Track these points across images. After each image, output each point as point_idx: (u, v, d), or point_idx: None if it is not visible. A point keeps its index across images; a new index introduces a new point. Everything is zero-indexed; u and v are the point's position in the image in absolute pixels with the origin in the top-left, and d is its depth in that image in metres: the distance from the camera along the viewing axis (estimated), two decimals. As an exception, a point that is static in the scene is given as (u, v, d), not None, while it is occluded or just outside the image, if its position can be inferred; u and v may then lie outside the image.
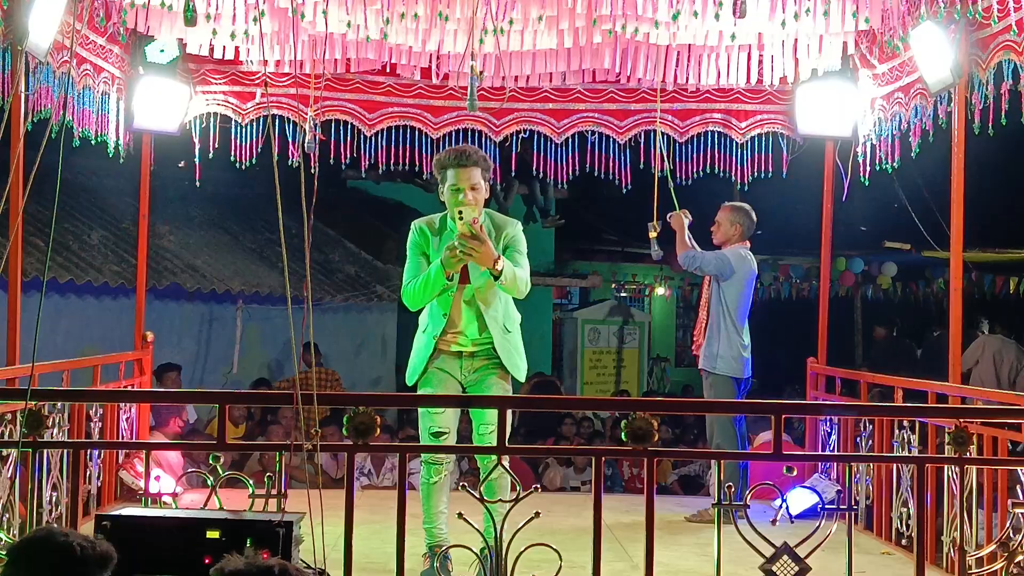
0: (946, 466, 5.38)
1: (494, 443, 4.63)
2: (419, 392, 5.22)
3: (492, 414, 4.83)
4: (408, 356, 5.37)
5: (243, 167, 7.56)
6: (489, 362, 5.17)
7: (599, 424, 11.95)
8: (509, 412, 4.39)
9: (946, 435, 4.42)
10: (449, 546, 4.73)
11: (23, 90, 5.37)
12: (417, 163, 7.68)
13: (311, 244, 5.91)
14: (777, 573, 4.15)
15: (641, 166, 7.68)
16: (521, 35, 6.24)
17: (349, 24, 6.05)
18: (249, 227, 13.97)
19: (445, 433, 5.10)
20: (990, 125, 5.48)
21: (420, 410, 5.34)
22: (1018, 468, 5.09)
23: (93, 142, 6.86)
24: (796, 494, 5.56)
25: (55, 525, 3.03)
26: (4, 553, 3.00)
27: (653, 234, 7.14)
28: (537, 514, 4.12)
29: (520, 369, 5.22)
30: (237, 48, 6.80)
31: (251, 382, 11.51)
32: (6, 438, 5.01)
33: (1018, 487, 5.02)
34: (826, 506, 4.39)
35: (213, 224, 13.64)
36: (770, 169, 7.68)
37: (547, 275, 19.42)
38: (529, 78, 7.23)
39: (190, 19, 5.59)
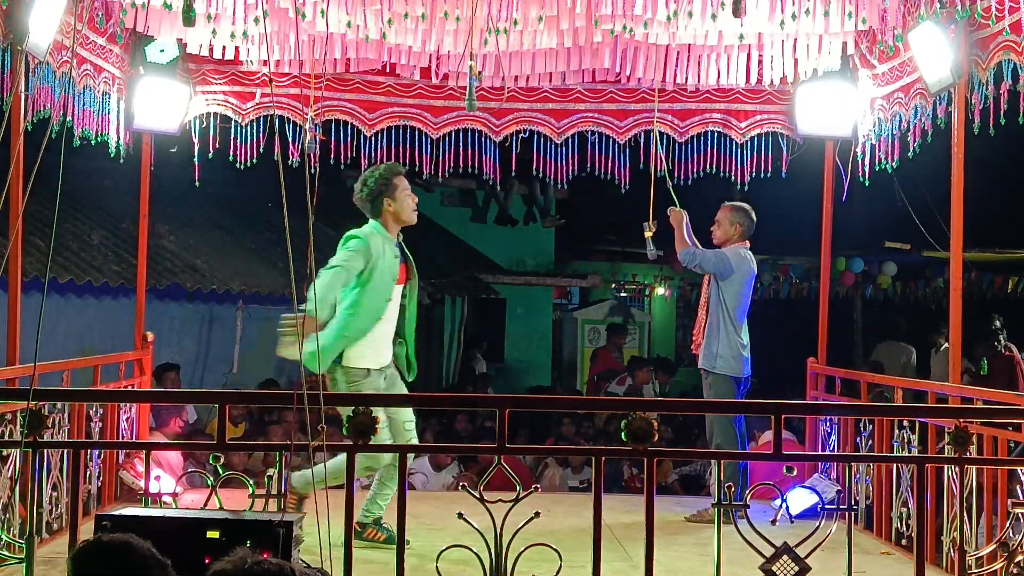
0: (946, 466, 5.37)
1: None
2: None
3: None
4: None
5: (243, 167, 7.56)
6: None
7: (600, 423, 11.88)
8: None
9: (946, 435, 4.42)
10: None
11: (23, 90, 5.37)
12: (417, 163, 7.68)
13: (312, 244, 5.93)
14: (777, 573, 4.15)
15: (641, 166, 7.68)
16: (521, 35, 6.24)
17: (349, 24, 6.05)
18: (249, 227, 13.95)
19: None
20: (990, 125, 5.48)
21: None
22: (1018, 468, 5.09)
23: (93, 142, 6.86)
24: (796, 494, 5.56)
25: (132, 536, 2.97)
26: (71, 555, 2.96)
27: (648, 234, 7.14)
28: (537, 514, 4.12)
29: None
30: (237, 48, 6.79)
31: (259, 382, 11.45)
32: (6, 438, 5.01)
33: (1018, 487, 5.02)
34: (826, 506, 4.40)
35: (213, 224, 13.62)
36: (770, 169, 7.67)
37: (547, 275, 19.40)
38: (529, 78, 7.22)
39: (190, 19, 5.58)
